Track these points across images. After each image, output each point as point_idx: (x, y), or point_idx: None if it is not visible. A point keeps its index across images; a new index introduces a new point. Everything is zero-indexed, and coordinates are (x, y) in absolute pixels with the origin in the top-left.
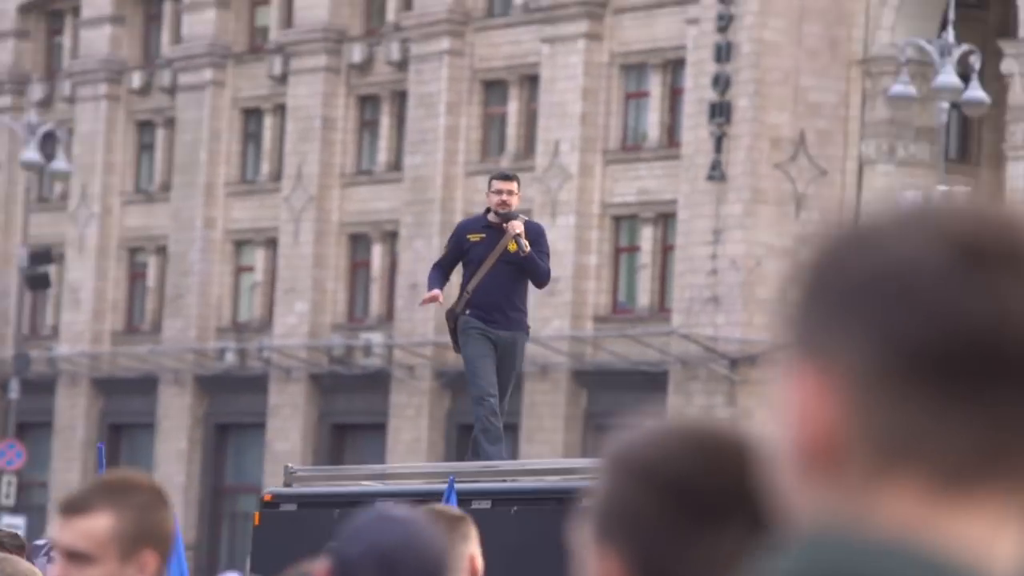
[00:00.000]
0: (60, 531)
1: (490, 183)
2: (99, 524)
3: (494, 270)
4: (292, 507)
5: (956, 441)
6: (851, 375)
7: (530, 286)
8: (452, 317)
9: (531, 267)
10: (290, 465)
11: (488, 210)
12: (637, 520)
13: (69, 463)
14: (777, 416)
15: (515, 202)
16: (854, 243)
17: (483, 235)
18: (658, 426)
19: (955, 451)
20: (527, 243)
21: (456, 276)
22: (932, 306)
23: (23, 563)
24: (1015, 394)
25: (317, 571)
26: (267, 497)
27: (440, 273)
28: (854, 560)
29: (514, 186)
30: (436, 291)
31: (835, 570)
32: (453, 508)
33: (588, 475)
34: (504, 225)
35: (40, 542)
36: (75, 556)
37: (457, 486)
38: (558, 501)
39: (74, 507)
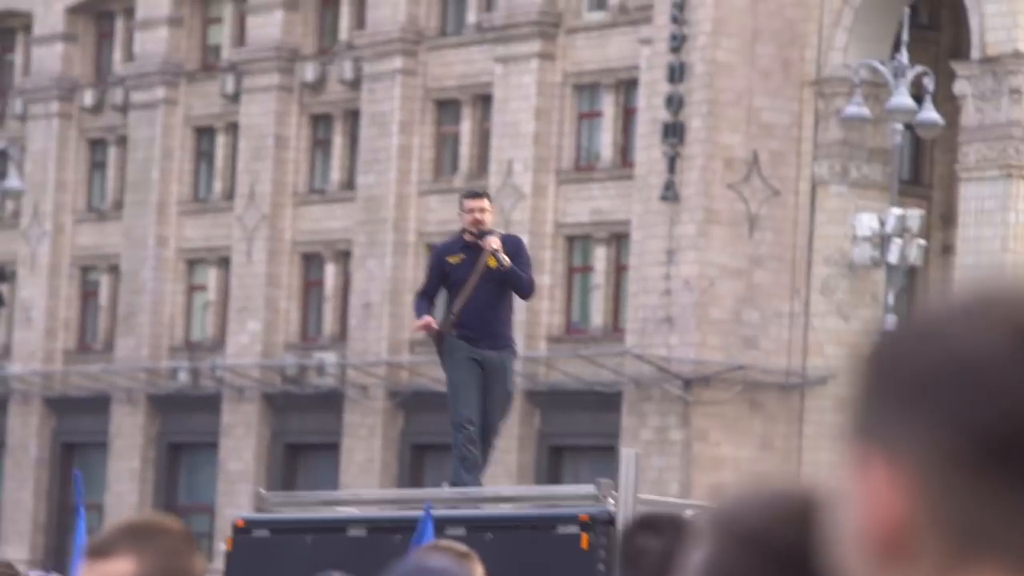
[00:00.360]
0: (84, 574)
1: (461, 203)
2: (122, 568)
3: (477, 289)
4: (265, 533)
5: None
6: (920, 464)
7: (515, 302)
8: (439, 339)
9: (513, 280)
10: (262, 491)
11: (463, 230)
12: None
13: (22, 483)
14: (840, 507)
15: (488, 219)
16: (917, 334)
17: (462, 255)
18: (765, 491)
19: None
20: (506, 257)
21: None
22: (999, 393)
23: None
24: None
25: None
26: (239, 523)
27: (425, 301)
28: None
29: (485, 203)
30: (428, 317)
31: None
32: (460, 545)
33: (560, 502)
34: (480, 242)
35: (32, 574)
36: None
37: (432, 513)
38: (532, 528)
39: (98, 551)
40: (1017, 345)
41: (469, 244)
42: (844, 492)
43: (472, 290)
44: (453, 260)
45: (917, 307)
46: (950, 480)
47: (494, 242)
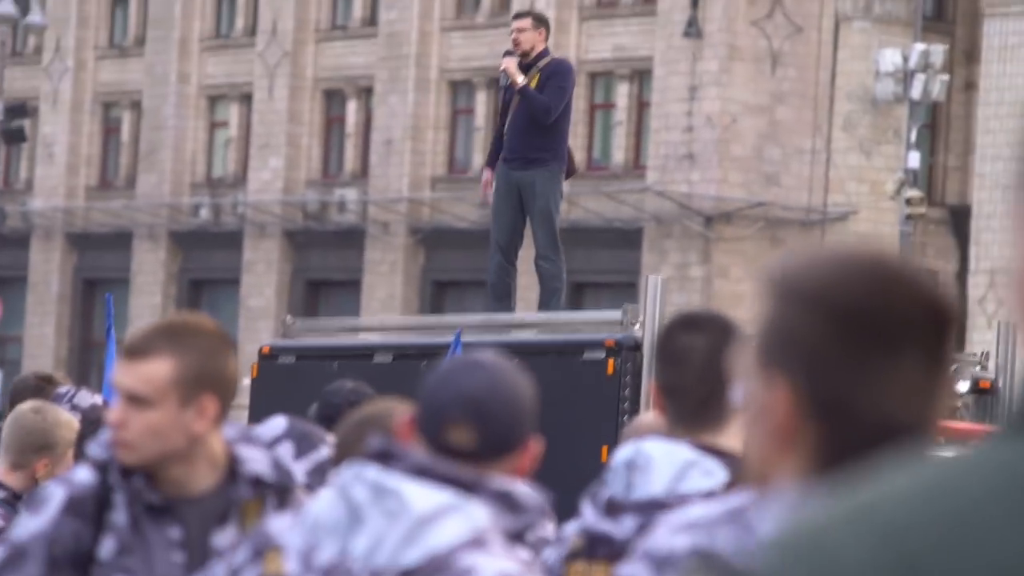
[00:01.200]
0: (121, 374)
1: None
2: (159, 368)
3: (515, 112)
4: (290, 359)
5: None
6: None
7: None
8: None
9: (526, 100)
10: (288, 317)
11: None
12: (808, 348)
13: (44, 318)
14: (1018, 237)
15: (527, 39)
16: None
17: (507, 81)
18: (829, 252)
19: None
20: (517, 76)
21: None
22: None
23: (63, 412)
24: None
25: (401, 417)
26: (265, 349)
27: (495, 142)
28: None
29: (524, 23)
30: (485, 176)
31: None
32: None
33: (587, 328)
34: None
35: (62, 390)
36: (135, 399)
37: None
38: (558, 354)
39: (135, 351)
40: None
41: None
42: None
43: (511, 113)
44: (506, 85)
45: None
46: None
47: (505, 62)
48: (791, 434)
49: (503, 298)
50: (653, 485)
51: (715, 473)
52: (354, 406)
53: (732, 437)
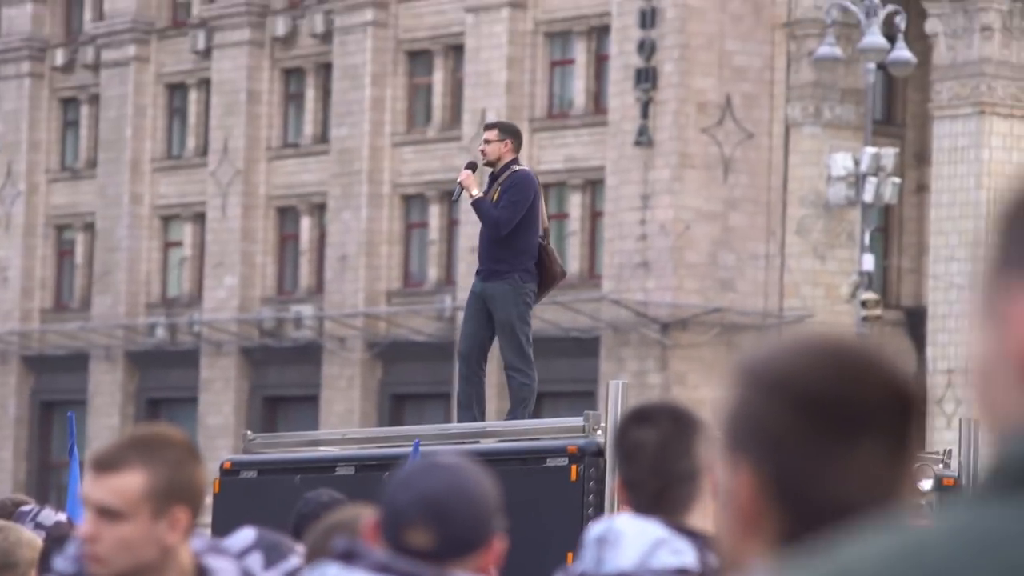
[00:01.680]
0: (91, 487)
1: None
2: (131, 481)
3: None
4: (252, 474)
5: None
6: None
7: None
8: None
9: (479, 215)
10: (248, 432)
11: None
12: (770, 434)
13: (2, 441)
14: (983, 334)
15: (493, 150)
16: None
17: (458, 195)
18: (793, 340)
19: None
20: (469, 191)
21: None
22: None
23: (25, 531)
24: None
25: (366, 520)
26: (227, 465)
27: None
28: None
29: (491, 134)
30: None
31: None
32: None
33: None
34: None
35: (25, 508)
36: (106, 512)
37: (420, 448)
38: (521, 461)
39: (106, 464)
40: None
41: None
42: (986, 321)
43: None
44: (456, 200)
45: None
46: None
47: (461, 175)
48: (755, 517)
49: (466, 407)
50: (623, 559)
51: (684, 552)
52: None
53: (704, 519)
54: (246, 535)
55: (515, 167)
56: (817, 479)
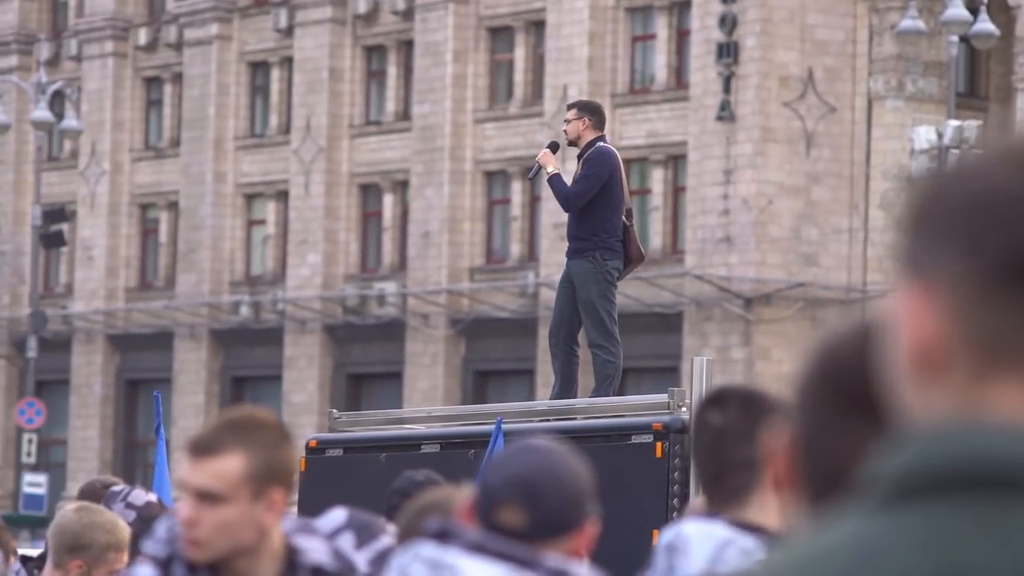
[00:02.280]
0: (191, 472)
1: None
2: (231, 464)
3: None
4: (338, 452)
5: None
6: (952, 288)
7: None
8: None
9: (552, 190)
10: (334, 411)
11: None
12: (798, 392)
13: (87, 420)
14: (891, 330)
15: (572, 128)
16: (956, 174)
17: (536, 172)
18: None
19: None
20: (549, 168)
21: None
22: (1016, 222)
23: (106, 513)
24: None
25: (461, 501)
26: (312, 443)
27: None
28: (966, 442)
29: (570, 113)
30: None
31: (949, 452)
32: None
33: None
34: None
35: (116, 488)
36: (207, 496)
37: (504, 426)
38: (606, 438)
39: (205, 448)
40: None
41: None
42: (893, 317)
43: None
44: (534, 176)
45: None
46: (976, 301)
47: (540, 153)
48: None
49: (556, 382)
50: (692, 566)
51: (751, 552)
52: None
53: (762, 512)
54: (337, 515)
55: (598, 144)
56: (825, 443)
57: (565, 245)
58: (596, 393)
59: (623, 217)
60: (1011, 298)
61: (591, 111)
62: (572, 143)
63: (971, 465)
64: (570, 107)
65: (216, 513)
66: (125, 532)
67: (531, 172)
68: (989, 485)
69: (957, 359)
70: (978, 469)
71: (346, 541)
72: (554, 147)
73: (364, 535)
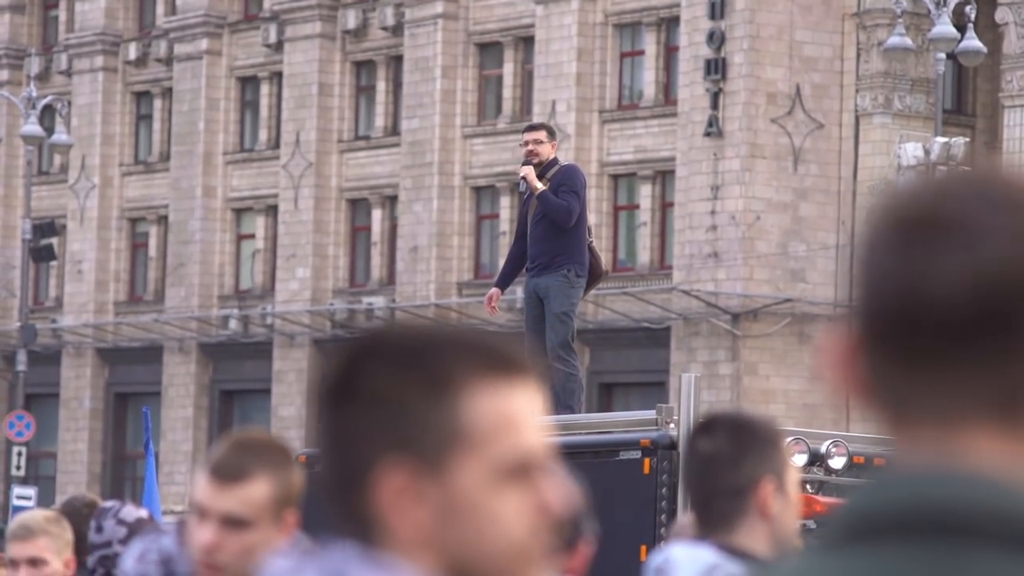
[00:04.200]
0: (216, 497)
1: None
2: (260, 490)
3: (533, 220)
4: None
5: (912, 398)
6: (857, 341)
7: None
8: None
9: (544, 206)
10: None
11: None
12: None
13: (76, 433)
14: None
15: (544, 151)
16: (869, 222)
17: (525, 190)
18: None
19: (911, 406)
20: (535, 183)
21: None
22: (877, 278)
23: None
24: (940, 349)
25: None
26: (301, 458)
27: (513, 250)
28: (925, 487)
29: (540, 135)
30: (492, 291)
31: (908, 496)
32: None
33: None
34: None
35: (107, 505)
36: (234, 522)
37: None
38: (594, 454)
39: (232, 474)
40: (893, 235)
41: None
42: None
43: (530, 221)
44: (524, 195)
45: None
46: (868, 355)
47: (523, 170)
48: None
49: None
50: None
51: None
52: None
53: (750, 537)
54: None
55: (564, 162)
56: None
57: None
58: (566, 406)
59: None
60: (884, 352)
61: (554, 133)
62: (539, 163)
63: (927, 510)
64: (535, 128)
65: (241, 538)
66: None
67: (521, 187)
68: (944, 531)
69: (877, 404)
70: (933, 514)
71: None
72: (529, 163)
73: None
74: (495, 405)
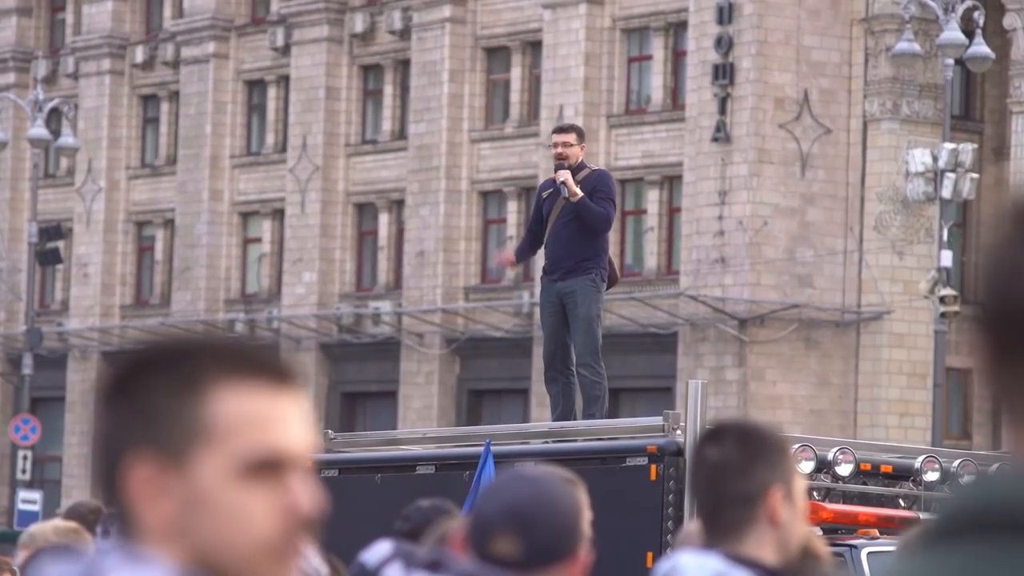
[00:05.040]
0: None
1: (551, 138)
2: None
3: (558, 223)
4: (333, 473)
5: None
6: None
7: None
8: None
9: (583, 212)
10: (329, 432)
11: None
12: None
13: (82, 437)
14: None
15: (574, 153)
16: None
17: (550, 190)
18: None
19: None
20: (576, 189)
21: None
22: (1000, 279)
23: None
24: None
25: (455, 531)
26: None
27: (527, 238)
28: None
29: (570, 137)
30: (507, 251)
31: (994, 494)
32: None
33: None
34: (555, 176)
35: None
36: None
37: (494, 448)
38: (601, 461)
39: None
40: (1014, 235)
41: (556, 179)
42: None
43: (553, 224)
44: (545, 195)
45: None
46: (995, 358)
47: (562, 175)
48: None
49: (554, 408)
50: None
51: None
52: (432, 523)
53: (758, 546)
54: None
55: (590, 166)
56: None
57: None
58: (588, 414)
59: None
60: (1006, 351)
61: (583, 135)
62: (560, 166)
63: (1005, 508)
64: (564, 130)
65: None
66: None
67: (563, 192)
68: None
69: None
70: (1011, 512)
71: (395, 571)
72: (560, 167)
73: (411, 562)
74: (242, 405)
